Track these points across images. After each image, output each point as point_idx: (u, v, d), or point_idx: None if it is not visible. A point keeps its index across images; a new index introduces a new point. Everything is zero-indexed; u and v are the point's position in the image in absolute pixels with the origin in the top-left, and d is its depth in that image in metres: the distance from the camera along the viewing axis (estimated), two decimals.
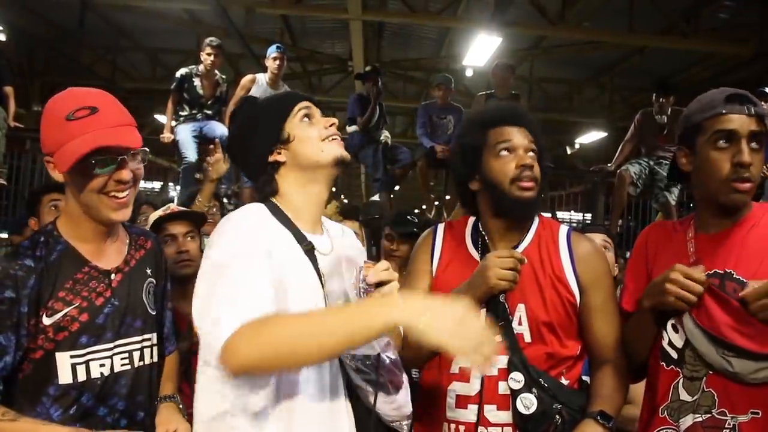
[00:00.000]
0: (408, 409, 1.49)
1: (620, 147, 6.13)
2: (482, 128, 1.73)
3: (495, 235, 1.74)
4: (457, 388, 1.67)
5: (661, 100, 5.56)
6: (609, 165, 6.32)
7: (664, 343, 1.57)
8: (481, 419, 1.62)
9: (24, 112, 10.31)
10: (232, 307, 1.21)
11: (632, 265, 1.75)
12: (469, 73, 10.66)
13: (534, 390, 1.59)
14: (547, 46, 10.37)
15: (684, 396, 1.52)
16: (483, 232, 1.77)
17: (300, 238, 1.43)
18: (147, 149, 1.50)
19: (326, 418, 1.38)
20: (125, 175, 1.44)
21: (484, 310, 1.65)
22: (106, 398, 1.48)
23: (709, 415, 1.47)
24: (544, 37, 9.76)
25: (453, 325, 1.13)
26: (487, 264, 1.58)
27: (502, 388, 1.62)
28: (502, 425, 1.61)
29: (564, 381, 1.66)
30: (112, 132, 1.41)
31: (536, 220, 1.78)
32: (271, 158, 1.47)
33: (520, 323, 1.65)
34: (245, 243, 1.32)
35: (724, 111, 1.52)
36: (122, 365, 1.51)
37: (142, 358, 1.57)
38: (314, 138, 1.46)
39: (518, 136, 1.70)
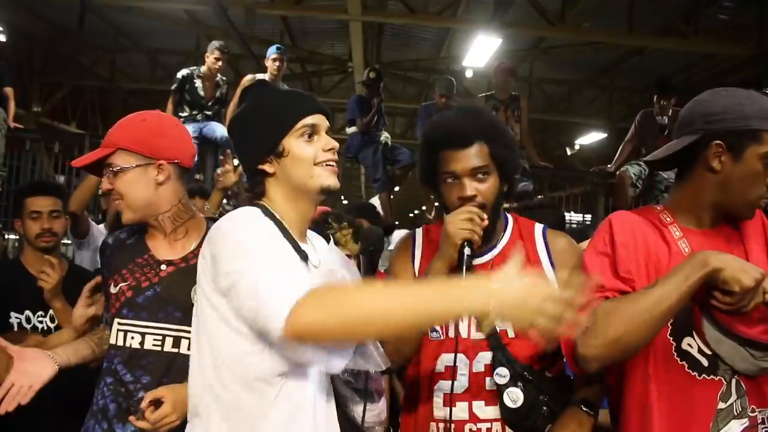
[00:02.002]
0: (384, 414, 1.50)
1: (620, 148, 6.13)
2: (432, 150, 1.73)
3: None
4: (443, 386, 1.68)
5: (662, 101, 5.56)
6: (609, 166, 6.33)
7: (693, 351, 1.46)
8: (470, 415, 1.64)
9: (24, 113, 10.32)
10: (286, 279, 1.21)
11: (611, 256, 1.52)
12: (468, 74, 10.66)
13: (520, 384, 1.62)
14: (547, 46, 10.37)
15: (720, 404, 1.44)
16: None
17: (295, 245, 1.40)
18: (120, 165, 1.70)
19: (322, 421, 1.38)
20: (102, 185, 1.75)
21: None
22: (133, 368, 1.67)
23: (747, 417, 1.43)
24: (543, 37, 9.76)
25: (525, 301, 1.11)
26: (446, 221, 1.65)
27: (489, 383, 1.65)
28: (491, 420, 1.64)
29: (548, 374, 1.69)
30: (90, 152, 1.75)
31: (510, 220, 1.81)
32: (260, 166, 1.43)
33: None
34: (265, 231, 1.32)
35: None
36: (153, 345, 1.68)
37: (176, 345, 1.68)
38: (308, 159, 1.40)
39: (463, 161, 1.66)
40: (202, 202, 3.16)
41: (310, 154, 1.40)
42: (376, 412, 1.45)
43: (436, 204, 7.62)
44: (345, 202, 9.65)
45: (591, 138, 13.69)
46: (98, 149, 1.72)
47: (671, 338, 1.47)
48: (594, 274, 1.50)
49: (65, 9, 9.18)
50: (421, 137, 1.85)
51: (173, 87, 5.88)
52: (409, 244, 1.85)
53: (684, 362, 1.46)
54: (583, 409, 1.64)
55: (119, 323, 1.71)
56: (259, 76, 6.00)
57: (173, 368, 1.66)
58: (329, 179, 1.42)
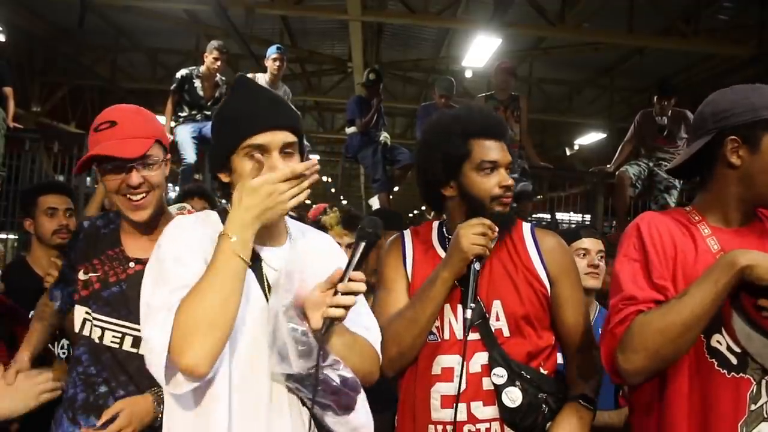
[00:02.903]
0: (368, 430, 1.44)
1: (620, 148, 6.13)
2: (465, 138, 1.70)
3: None
4: (441, 388, 1.68)
5: (662, 102, 5.55)
6: (608, 166, 6.32)
7: (722, 348, 1.44)
8: (469, 416, 1.64)
9: (23, 113, 10.32)
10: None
11: (643, 262, 1.51)
12: (468, 74, 10.65)
13: (518, 383, 1.62)
14: (547, 47, 10.36)
15: (751, 405, 1.41)
16: (449, 237, 1.78)
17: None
18: (156, 157, 1.68)
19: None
20: (132, 179, 1.63)
21: (461, 311, 1.68)
22: (95, 362, 1.67)
23: None
24: (543, 38, 9.76)
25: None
26: (459, 233, 1.65)
27: (486, 384, 1.64)
28: (490, 420, 1.64)
29: (543, 371, 1.69)
30: (120, 144, 1.61)
31: None
32: (218, 173, 1.44)
33: (497, 319, 1.68)
34: (180, 247, 1.36)
35: None
36: (112, 342, 1.66)
37: (135, 345, 1.65)
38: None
39: (501, 153, 1.71)
40: (201, 203, 3.14)
41: (246, 174, 1.32)
42: (349, 426, 1.38)
43: None
44: (344, 202, 9.65)
45: (591, 138, 13.69)
46: (141, 139, 1.64)
47: (702, 336, 1.45)
48: (626, 283, 1.48)
49: (65, 9, 9.17)
50: (446, 124, 1.75)
51: (172, 87, 5.89)
52: (399, 246, 1.84)
53: (714, 359, 1.44)
54: (582, 404, 1.66)
55: (86, 312, 1.71)
56: (259, 75, 6.01)
57: (131, 368, 1.63)
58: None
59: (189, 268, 1.30)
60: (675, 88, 5.86)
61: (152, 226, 1.72)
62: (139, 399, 1.61)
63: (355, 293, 1.30)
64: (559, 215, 7.79)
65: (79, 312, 1.72)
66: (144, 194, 1.65)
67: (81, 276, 1.73)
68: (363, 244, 1.32)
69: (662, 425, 1.47)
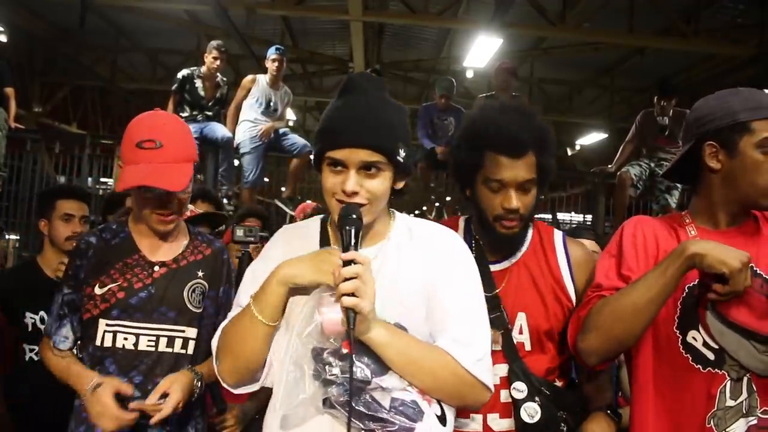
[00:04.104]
0: None
1: (621, 148, 6.12)
2: (479, 149, 1.62)
3: (486, 240, 1.71)
4: None
5: (662, 102, 5.55)
6: (609, 166, 6.32)
7: (698, 345, 1.47)
8: (484, 428, 1.61)
9: (24, 113, 10.33)
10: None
11: (617, 255, 1.57)
12: (469, 74, 10.65)
13: (537, 398, 1.59)
14: (548, 47, 10.37)
15: (729, 401, 1.44)
16: (476, 236, 1.73)
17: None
18: (188, 190, 1.74)
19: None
20: (169, 205, 1.71)
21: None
22: (125, 369, 1.70)
23: (757, 417, 1.43)
24: (544, 38, 9.76)
25: None
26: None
27: (504, 396, 1.62)
28: None
29: (558, 384, 1.67)
30: (164, 170, 1.64)
31: (531, 226, 1.75)
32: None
33: (520, 332, 1.64)
34: (260, 260, 1.45)
35: None
36: (147, 345, 1.71)
37: (170, 345, 1.74)
38: (328, 191, 1.33)
39: (513, 171, 1.59)
40: (204, 206, 3.09)
41: (329, 186, 1.32)
42: None
43: (437, 204, 7.63)
44: None
45: (591, 138, 13.69)
46: (183, 164, 1.69)
47: (677, 331, 1.49)
48: (598, 275, 1.55)
49: (66, 9, 9.18)
50: (465, 128, 1.70)
51: (173, 87, 5.89)
52: None
53: (688, 355, 1.48)
54: (609, 414, 1.66)
55: (108, 324, 1.71)
56: (260, 76, 6.02)
57: (165, 366, 1.73)
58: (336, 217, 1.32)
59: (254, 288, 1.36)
60: (675, 88, 5.85)
61: (171, 232, 1.79)
62: (182, 376, 1.70)
63: (353, 277, 1.19)
64: (560, 215, 7.79)
65: (101, 326, 1.72)
66: (175, 214, 1.74)
67: (97, 291, 1.72)
68: (352, 229, 1.26)
69: (632, 416, 1.54)
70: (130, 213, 1.89)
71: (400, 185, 1.39)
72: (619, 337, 1.45)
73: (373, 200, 1.31)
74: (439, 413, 1.29)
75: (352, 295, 1.18)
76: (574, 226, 6.86)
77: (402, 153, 1.32)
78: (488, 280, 1.64)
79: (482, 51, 8.50)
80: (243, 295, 1.40)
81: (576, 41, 9.66)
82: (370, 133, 1.29)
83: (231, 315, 1.41)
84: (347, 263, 1.21)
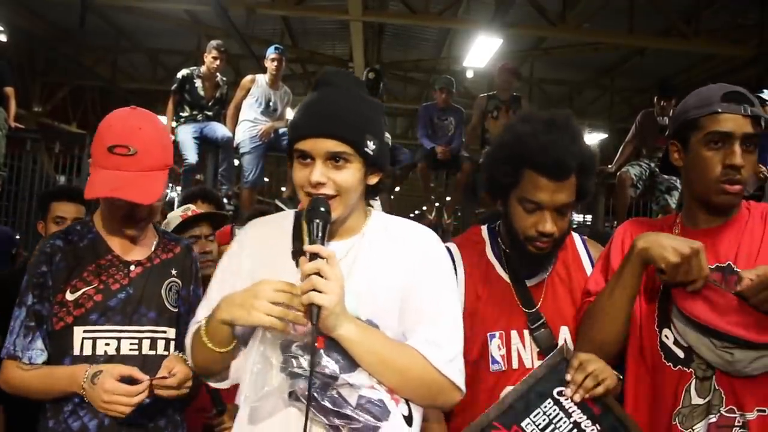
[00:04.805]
0: None
1: (621, 148, 6.12)
2: (518, 165, 1.55)
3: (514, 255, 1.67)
4: None
5: (662, 102, 5.55)
6: (610, 166, 6.32)
7: (669, 343, 1.49)
8: None
9: (24, 113, 10.33)
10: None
11: (606, 258, 1.61)
12: (469, 74, 10.66)
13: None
14: (548, 47, 10.37)
15: (696, 399, 1.45)
16: (505, 249, 1.68)
17: (296, 246, 1.37)
18: (165, 188, 1.66)
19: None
20: (139, 214, 1.63)
21: (529, 338, 1.60)
22: None
23: (719, 414, 1.43)
24: (544, 38, 9.76)
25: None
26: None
27: None
28: None
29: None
30: (135, 180, 1.55)
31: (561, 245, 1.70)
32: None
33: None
34: (227, 257, 1.44)
35: (719, 110, 1.45)
36: (130, 349, 1.61)
37: (153, 347, 1.65)
38: (297, 185, 1.35)
39: (553, 195, 1.53)
40: (204, 206, 3.04)
41: (298, 180, 1.33)
42: None
43: (437, 204, 7.62)
44: None
45: (591, 138, 13.66)
46: (156, 172, 1.60)
47: (657, 330, 1.52)
48: (590, 281, 1.61)
49: (66, 9, 9.18)
50: (505, 139, 1.62)
51: (173, 87, 5.90)
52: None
53: (662, 352, 1.51)
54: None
55: (85, 331, 1.59)
56: (260, 76, 6.02)
57: (152, 371, 1.58)
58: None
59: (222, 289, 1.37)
60: (675, 89, 5.85)
61: (146, 232, 1.73)
62: (181, 359, 1.58)
63: (317, 272, 1.18)
64: None
65: (78, 334, 1.59)
66: (144, 221, 1.67)
67: (68, 296, 1.60)
68: (320, 222, 1.25)
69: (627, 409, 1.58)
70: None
71: (373, 180, 1.37)
72: (597, 341, 1.49)
73: (342, 193, 1.30)
74: (406, 413, 1.28)
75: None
76: (575, 226, 6.85)
77: (371, 146, 1.30)
78: (527, 296, 1.63)
79: (482, 51, 8.50)
80: (214, 292, 1.39)
81: (576, 41, 9.66)
82: (335, 122, 1.29)
83: (199, 311, 1.42)
84: (313, 257, 1.20)
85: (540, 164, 1.51)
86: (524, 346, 1.60)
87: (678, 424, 1.45)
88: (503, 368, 1.59)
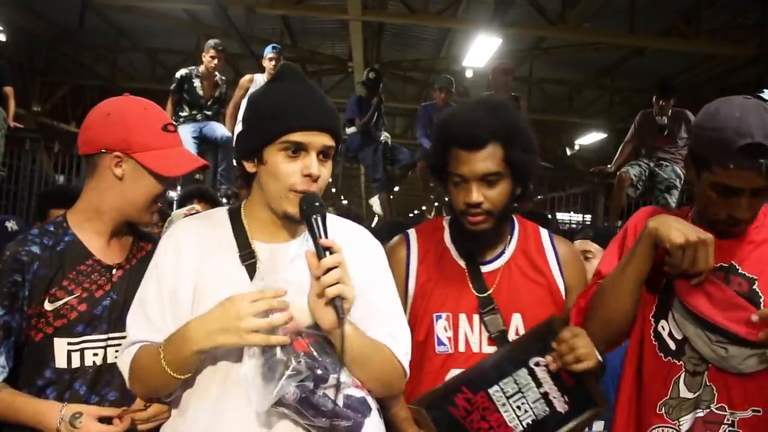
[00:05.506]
0: None
1: (620, 148, 6.13)
2: (443, 146, 1.60)
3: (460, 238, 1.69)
4: None
5: (661, 102, 5.55)
6: (609, 166, 6.32)
7: (665, 334, 1.51)
8: None
9: (24, 112, 10.33)
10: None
11: (620, 241, 1.63)
12: (469, 74, 10.65)
13: None
14: (547, 47, 10.36)
15: (684, 393, 1.47)
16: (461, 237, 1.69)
17: (243, 247, 1.34)
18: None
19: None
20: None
21: (478, 321, 1.60)
22: (98, 387, 1.51)
23: (708, 410, 1.45)
24: (544, 38, 9.76)
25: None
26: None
27: None
28: None
29: None
30: (187, 153, 1.59)
31: (516, 224, 1.72)
32: (243, 161, 1.35)
33: (516, 333, 1.60)
34: (158, 258, 1.39)
35: (732, 166, 1.36)
36: (116, 357, 1.49)
37: None
38: (282, 179, 1.28)
39: (472, 164, 1.53)
40: (203, 205, 3.03)
41: (285, 173, 1.27)
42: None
43: (436, 204, 7.62)
44: (344, 201, 9.65)
45: (591, 138, 13.69)
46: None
47: (652, 319, 1.55)
48: (602, 262, 1.63)
49: (66, 8, 9.19)
50: (436, 129, 1.70)
51: (172, 87, 5.89)
52: (404, 247, 1.72)
53: (656, 342, 1.53)
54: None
55: (71, 343, 1.48)
56: (258, 75, 6.02)
57: None
58: (292, 209, 1.28)
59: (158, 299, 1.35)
60: (675, 89, 5.86)
61: (123, 231, 1.63)
62: None
63: (337, 265, 1.18)
64: (559, 215, 7.79)
65: (60, 346, 1.48)
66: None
67: (47, 306, 1.47)
68: (319, 217, 1.24)
69: (617, 398, 1.61)
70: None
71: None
72: (606, 320, 1.52)
73: (322, 190, 1.32)
74: (377, 407, 1.33)
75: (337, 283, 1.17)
76: (574, 226, 6.86)
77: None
78: (480, 281, 1.63)
79: (482, 51, 8.50)
80: (151, 294, 1.36)
81: (576, 41, 9.65)
82: (332, 117, 1.32)
83: (133, 328, 1.36)
84: (324, 252, 1.19)
85: (456, 138, 1.56)
86: (472, 330, 1.60)
87: (664, 414, 1.49)
88: (450, 351, 1.60)
